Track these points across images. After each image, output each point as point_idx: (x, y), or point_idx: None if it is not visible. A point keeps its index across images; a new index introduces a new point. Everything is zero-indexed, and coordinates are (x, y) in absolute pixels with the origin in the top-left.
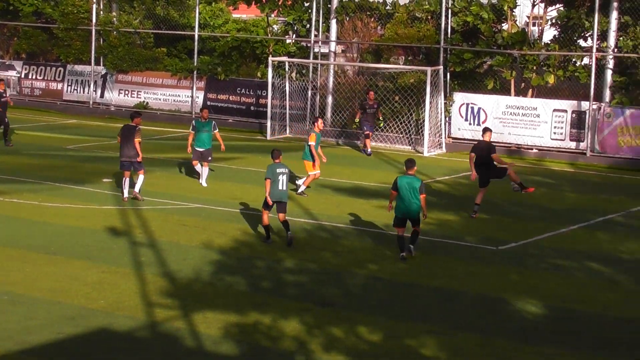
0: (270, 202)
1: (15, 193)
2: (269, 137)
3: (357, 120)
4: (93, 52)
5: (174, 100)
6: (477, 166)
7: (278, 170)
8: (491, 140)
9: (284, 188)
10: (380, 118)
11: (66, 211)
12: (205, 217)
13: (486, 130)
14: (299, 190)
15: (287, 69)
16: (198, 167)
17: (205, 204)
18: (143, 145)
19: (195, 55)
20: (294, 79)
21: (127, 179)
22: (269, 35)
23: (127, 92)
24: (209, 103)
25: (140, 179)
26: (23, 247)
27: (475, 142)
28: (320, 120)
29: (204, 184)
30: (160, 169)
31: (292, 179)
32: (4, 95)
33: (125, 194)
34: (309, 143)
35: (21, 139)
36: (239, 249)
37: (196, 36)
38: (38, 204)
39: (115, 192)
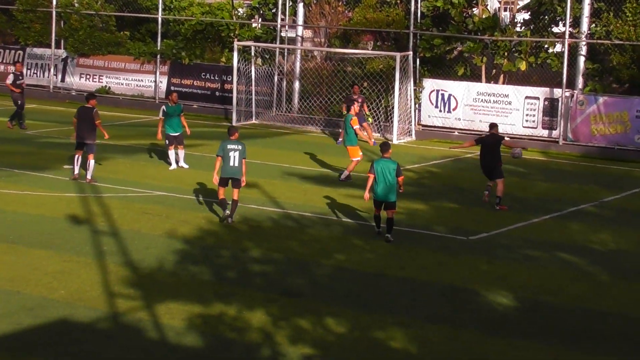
0: (216, 181)
1: None
2: (234, 124)
3: (344, 113)
4: (53, 34)
5: (137, 85)
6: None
7: (229, 147)
8: (467, 129)
9: (236, 164)
10: (367, 112)
11: (25, 199)
12: (168, 205)
13: (494, 125)
14: (342, 177)
15: (252, 54)
16: (172, 152)
17: (168, 192)
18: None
19: (159, 39)
20: (260, 64)
21: (79, 157)
22: (235, 18)
23: (88, 77)
24: (172, 88)
25: (91, 164)
26: None
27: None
28: (356, 104)
29: (185, 166)
30: (122, 155)
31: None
32: (21, 77)
33: (76, 171)
34: (353, 127)
35: None
36: (203, 238)
37: (159, 19)
38: None
39: (78, 179)
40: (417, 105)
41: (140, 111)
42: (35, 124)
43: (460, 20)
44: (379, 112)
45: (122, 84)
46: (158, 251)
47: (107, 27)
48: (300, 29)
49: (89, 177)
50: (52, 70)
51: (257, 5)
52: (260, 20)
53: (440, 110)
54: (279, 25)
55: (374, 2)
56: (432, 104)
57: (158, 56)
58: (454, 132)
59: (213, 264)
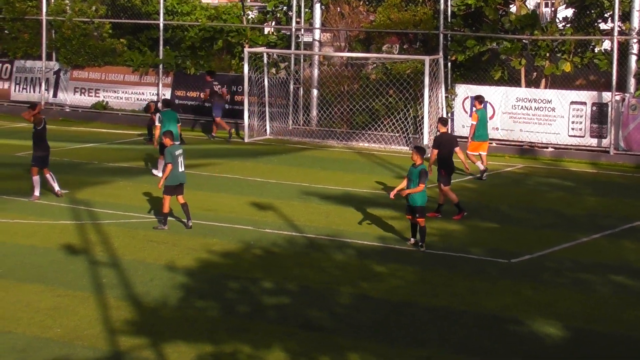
0: (160, 187)
1: None
2: (246, 139)
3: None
4: (44, 45)
5: (138, 99)
6: (442, 161)
7: (176, 152)
8: (506, 139)
9: (183, 169)
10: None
11: (15, 227)
12: (174, 231)
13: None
14: (485, 175)
15: (265, 61)
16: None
17: (174, 217)
18: (101, 151)
19: (161, 47)
20: (274, 72)
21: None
22: (245, 23)
23: (83, 91)
24: (177, 101)
25: (51, 177)
26: None
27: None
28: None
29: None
30: (123, 177)
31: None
32: None
33: (37, 192)
34: (472, 122)
35: None
36: (212, 267)
37: (161, 25)
38: None
39: (73, 204)
40: (449, 114)
41: (142, 128)
42: (27, 144)
43: (496, 18)
44: (407, 122)
45: (121, 98)
46: (163, 283)
47: (102, 36)
48: (317, 33)
49: (57, 188)
50: (43, 84)
51: (272, 9)
52: (273, 24)
53: None
54: (293, 29)
55: (398, 0)
56: (466, 112)
57: (160, 66)
58: (491, 143)
59: (223, 297)
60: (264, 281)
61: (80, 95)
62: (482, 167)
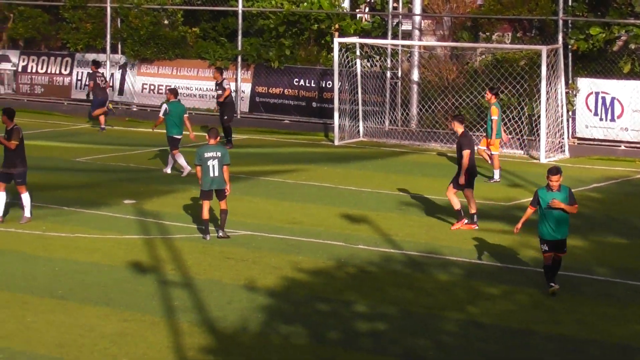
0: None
1: (13, 220)
2: (337, 142)
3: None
4: (109, 36)
5: (213, 97)
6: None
7: (206, 155)
8: (637, 142)
9: (216, 174)
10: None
11: (77, 242)
12: (254, 247)
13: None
14: (496, 177)
15: (358, 53)
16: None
17: (254, 231)
18: None
19: (239, 37)
20: (368, 65)
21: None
22: (335, 9)
23: (152, 88)
24: (257, 99)
25: (25, 199)
26: (22, 290)
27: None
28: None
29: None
30: (197, 186)
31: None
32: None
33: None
34: (492, 117)
35: None
36: (297, 288)
37: (240, 12)
38: (41, 233)
39: (140, 216)
40: (570, 113)
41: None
42: (89, 148)
43: (624, 2)
44: (521, 122)
45: (195, 96)
46: (242, 306)
47: (173, 25)
48: (417, 20)
49: (27, 214)
50: (109, 80)
51: None
52: (367, 10)
53: (601, 119)
54: (390, 16)
55: None
56: (590, 110)
57: (239, 58)
58: (619, 146)
59: (310, 322)
60: (357, 304)
61: (149, 92)
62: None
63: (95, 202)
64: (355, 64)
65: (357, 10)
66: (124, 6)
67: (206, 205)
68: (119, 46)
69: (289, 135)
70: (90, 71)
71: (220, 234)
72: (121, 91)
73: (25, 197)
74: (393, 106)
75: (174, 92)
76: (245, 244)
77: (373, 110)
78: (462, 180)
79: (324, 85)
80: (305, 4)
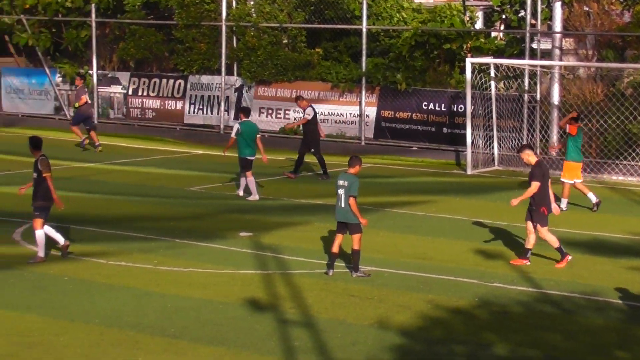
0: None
1: (122, 253)
2: (469, 171)
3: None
4: (224, 56)
5: (336, 121)
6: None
7: (338, 183)
8: None
9: (342, 205)
10: None
11: (190, 278)
12: (380, 284)
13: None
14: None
15: (492, 74)
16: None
17: (380, 266)
18: (292, 185)
19: (364, 57)
20: (503, 87)
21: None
22: (467, 25)
23: (270, 112)
24: (383, 124)
25: (38, 237)
26: (133, 327)
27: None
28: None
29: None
30: (318, 217)
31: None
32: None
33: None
34: (572, 135)
35: (129, 178)
36: (428, 328)
37: (364, 30)
38: (152, 267)
39: (257, 250)
40: None
41: (340, 157)
42: (203, 176)
43: None
44: None
45: None
46: (368, 348)
47: (294, 45)
48: (558, 38)
49: (39, 255)
50: (222, 104)
51: (498, 7)
52: (502, 27)
53: None
54: (527, 34)
55: None
56: None
57: (363, 80)
58: None
59: None
60: (496, 346)
61: (266, 116)
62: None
63: (209, 234)
64: (490, 85)
65: (492, 28)
66: (240, 25)
67: (336, 238)
68: (234, 67)
69: (417, 163)
70: (77, 86)
71: (354, 274)
72: (237, 116)
73: (39, 235)
74: (531, 132)
75: (246, 111)
76: (370, 281)
77: (509, 136)
78: (543, 211)
79: (455, 109)
80: (434, 22)
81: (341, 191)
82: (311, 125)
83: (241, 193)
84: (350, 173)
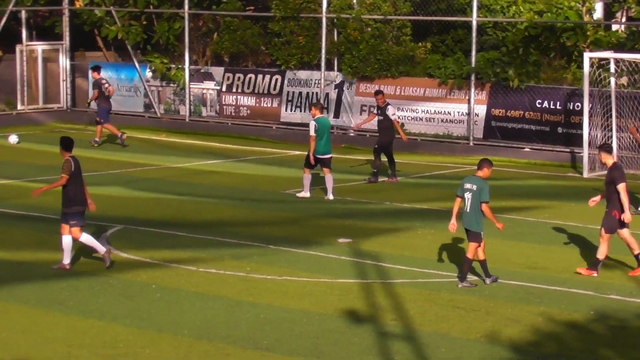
0: (452, 228)
1: (214, 260)
2: (586, 174)
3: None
4: (323, 51)
5: (443, 120)
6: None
7: (465, 186)
8: None
9: (468, 210)
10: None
11: (284, 286)
12: (488, 295)
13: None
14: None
15: (612, 69)
16: (308, 177)
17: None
18: (395, 188)
19: (473, 52)
20: (624, 84)
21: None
22: (586, 18)
23: (372, 110)
24: (493, 123)
25: (65, 242)
26: (223, 339)
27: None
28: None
29: (332, 197)
30: (422, 223)
31: None
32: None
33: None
34: None
35: (221, 180)
36: (541, 343)
37: (474, 23)
38: (244, 275)
39: (356, 258)
40: None
41: (448, 157)
42: (298, 178)
43: None
44: None
45: (421, 119)
46: None
47: (399, 38)
48: None
49: (64, 261)
50: (321, 101)
51: None
52: (623, 19)
53: None
54: None
55: None
56: None
57: (472, 76)
58: None
59: None
60: None
61: (369, 115)
62: None
63: (305, 241)
64: (609, 82)
65: (613, 20)
66: (341, 16)
67: (472, 248)
68: (335, 62)
69: (529, 165)
70: (93, 78)
71: (460, 284)
72: (337, 113)
73: (66, 240)
74: None
75: (319, 106)
76: (477, 292)
77: (630, 137)
78: (627, 218)
79: (571, 108)
80: (549, 14)
81: (468, 195)
82: (387, 122)
83: (331, 197)
84: (478, 176)
